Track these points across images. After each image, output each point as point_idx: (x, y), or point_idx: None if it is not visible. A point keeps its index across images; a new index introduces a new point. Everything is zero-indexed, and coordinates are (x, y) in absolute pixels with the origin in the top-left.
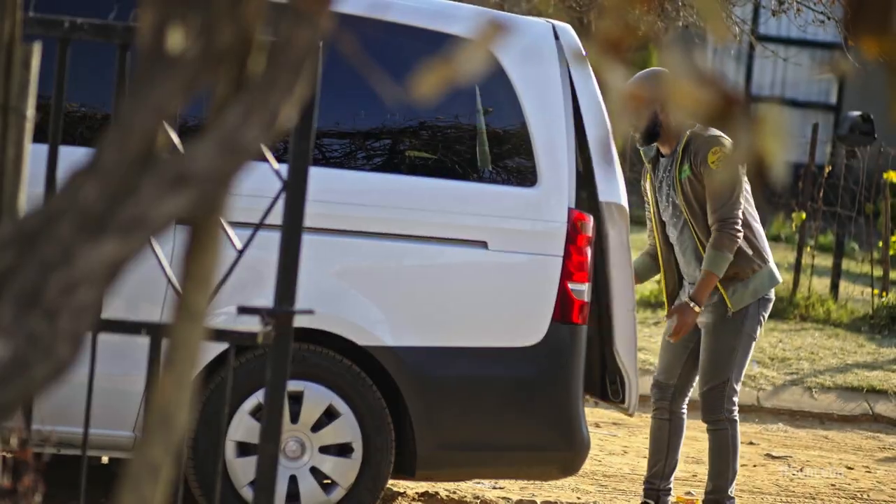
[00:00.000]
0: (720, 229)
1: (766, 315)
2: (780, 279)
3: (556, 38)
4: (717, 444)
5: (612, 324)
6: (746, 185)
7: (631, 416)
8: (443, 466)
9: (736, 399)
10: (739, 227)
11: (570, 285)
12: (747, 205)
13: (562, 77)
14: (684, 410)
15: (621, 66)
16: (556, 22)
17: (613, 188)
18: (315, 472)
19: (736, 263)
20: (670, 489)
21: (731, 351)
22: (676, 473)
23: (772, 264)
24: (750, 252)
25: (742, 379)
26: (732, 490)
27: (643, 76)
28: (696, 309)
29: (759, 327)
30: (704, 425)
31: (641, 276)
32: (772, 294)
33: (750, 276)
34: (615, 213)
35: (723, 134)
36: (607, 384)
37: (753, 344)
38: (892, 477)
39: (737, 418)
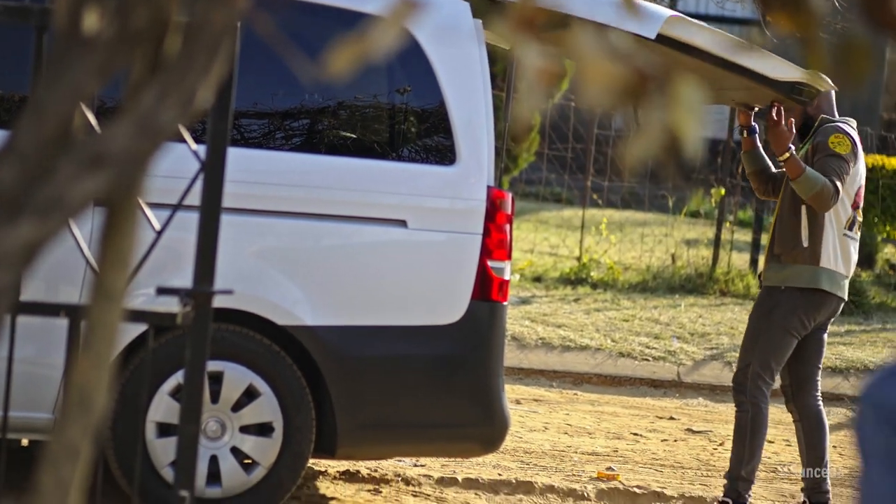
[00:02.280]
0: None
1: (814, 317)
2: (829, 289)
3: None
4: (736, 425)
5: None
6: (847, 195)
7: None
8: (363, 445)
9: (765, 388)
10: (838, 189)
11: (490, 263)
12: (837, 213)
13: (480, 55)
14: (815, 403)
15: (535, 43)
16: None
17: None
18: (236, 451)
19: (785, 245)
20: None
21: (769, 337)
22: (598, 449)
23: (823, 270)
24: (805, 243)
25: (774, 373)
26: (750, 474)
27: None
28: (786, 153)
29: (799, 325)
30: (623, 400)
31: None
32: (823, 300)
33: (790, 263)
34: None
35: (849, 124)
36: None
37: (788, 340)
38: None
39: (761, 406)
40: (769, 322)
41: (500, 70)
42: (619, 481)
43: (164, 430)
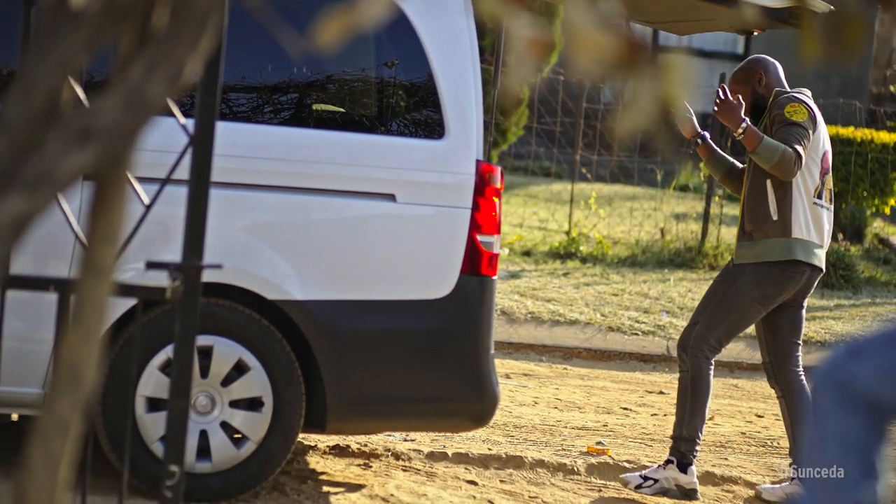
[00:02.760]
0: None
1: (783, 289)
2: (804, 258)
3: None
4: (678, 386)
5: None
6: (813, 162)
7: None
8: (353, 420)
9: (709, 353)
10: (800, 155)
11: (479, 237)
12: (804, 182)
13: (468, 28)
14: (797, 378)
15: (524, 13)
16: None
17: None
18: (225, 426)
19: (755, 221)
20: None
21: (730, 306)
22: (588, 424)
23: (795, 240)
24: (775, 217)
25: (721, 338)
26: (691, 433)
27: (740, 67)
28: (739, 129)
29: (762, 296)
30: (612, 374)
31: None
32: (795, 271)
33: (761, 238)
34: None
35: (803, 93)
36: None
37: (747, 309)
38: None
39: (702, 368)
40: (730, 287)
41: (489, 43)
42: (609, 455)
43: (154, 404)
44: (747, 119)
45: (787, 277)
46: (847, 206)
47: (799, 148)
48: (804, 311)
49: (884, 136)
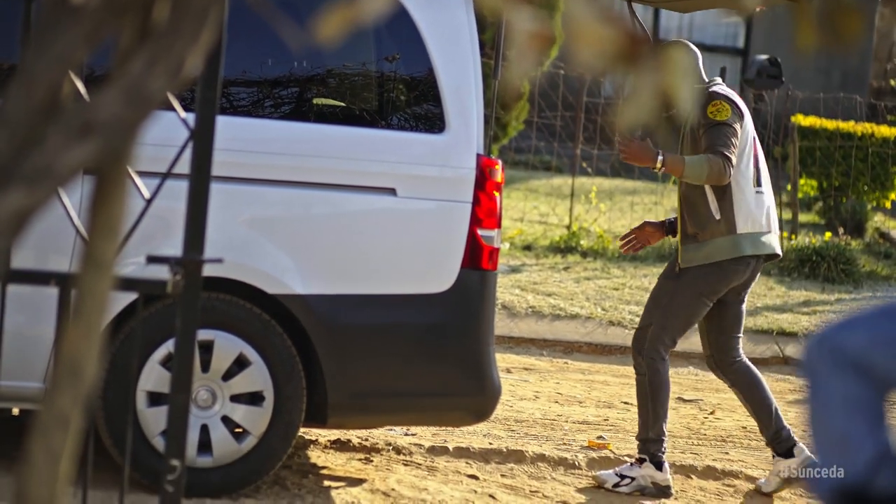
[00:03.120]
0: (713, 154)
1: (728, 281)
2: (753, 252)
3: None
4: (637, 386)
5: None
6: (745, 154)
7: None
8: (354, 414)
9: (664, 352)
10: (729, 158)
11: (480, 231)
12: (740, 176)
13: (468, 21)
14: (740, 365)
15: (524, 7)
16: None
17: None
18: (226, 420)
19: (698, 223)
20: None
21: (680, 304)
22: (589, 418)
23: (741, 236)
24: (717, 217)
25: (675, 335)
26: (657, 433)
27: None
28: (657, 162)
29: (710, 290)
30: (613, 369)
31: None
32: (739, 264)
33: (707, 239)
34: None
35: (717, 83)
36: None
37: (697, 304)
38: (803, 418)
39: (658, 369)
40: (677, 285)
41: (489, 37)
42: (610, 450)
43: (155, 399)
44: (660, 151)
45: (733, 271)
46: (848, 201)
47: (726, 151)
48: (745, 305)
49: (884, 131)
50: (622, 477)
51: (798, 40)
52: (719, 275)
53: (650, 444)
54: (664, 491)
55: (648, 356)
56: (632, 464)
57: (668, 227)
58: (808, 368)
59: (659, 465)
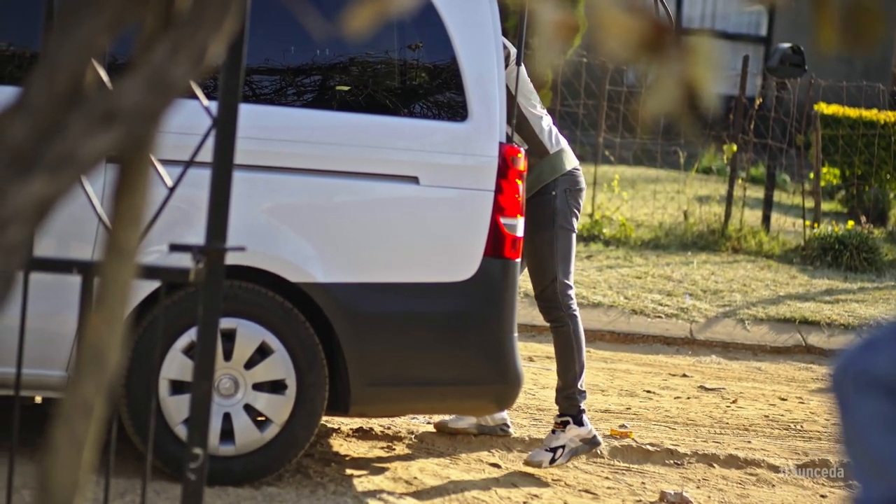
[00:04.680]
0: None
1: (579, 205)
2: (572, 166)
3: None
4: (559, 341)
5: None
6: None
7: None
8: (377, 402)
9: (571, 293)
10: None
11: (502, 220)
12: (526, 103)
13: (491, 10)
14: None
15: None
16: None
17: None
18: (249, 409)
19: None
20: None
21: (550, 247)
22: (611, 407)
23: (559, 151)
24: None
25: (572, 272)
26: (582, 384)
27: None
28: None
29: (573, 219)
30: (635, 357)
31: None
32: (580, 184)
33: (537, 162)
34: None
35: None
36: None
37: (573, 237)
38: (825, 407)
39: (576, 313)
40: (553, 232)
41: (512, 25)
42: (632, 439)
43: (178, 387)
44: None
45: (575, 187)
46: (870, 189)
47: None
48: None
49: None
50: (553, 450)
51: (819, 40)
52: (568, 198)
53: (578, 395)
54: (593, 442)
55: (567, 307)
56: (554, 431)
57: None
58: (837, 393)
59: (581, 421)
